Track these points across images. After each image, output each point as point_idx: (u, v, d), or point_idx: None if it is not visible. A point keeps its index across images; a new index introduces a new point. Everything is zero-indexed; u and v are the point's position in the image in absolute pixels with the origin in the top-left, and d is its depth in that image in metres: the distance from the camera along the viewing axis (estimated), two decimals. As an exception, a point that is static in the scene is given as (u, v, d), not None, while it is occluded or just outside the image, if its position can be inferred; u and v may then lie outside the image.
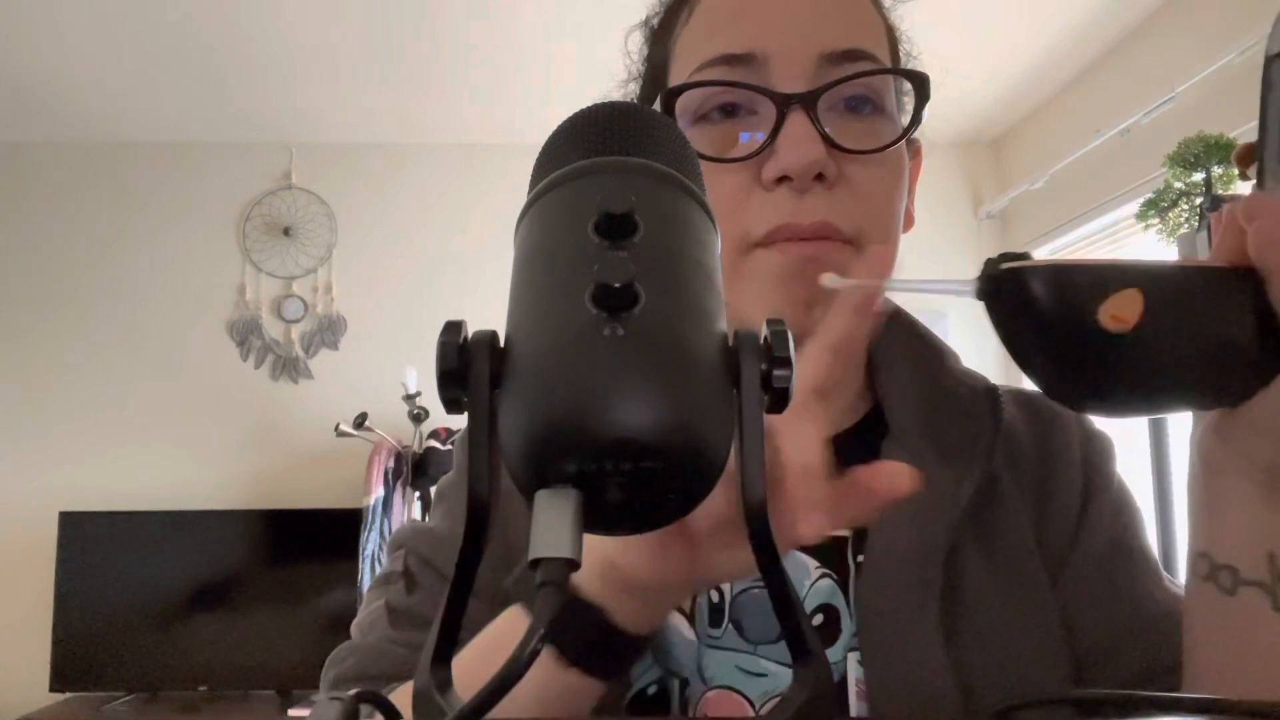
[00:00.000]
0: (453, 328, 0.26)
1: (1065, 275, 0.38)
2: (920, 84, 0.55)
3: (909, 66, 0.60)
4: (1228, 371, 0.40)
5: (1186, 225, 2.00)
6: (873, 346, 0.62)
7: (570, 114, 0.32)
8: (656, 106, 0.55)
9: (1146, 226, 2.12)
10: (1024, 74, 2.95)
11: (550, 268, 0.26)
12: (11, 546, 3.19)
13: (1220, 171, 1.97)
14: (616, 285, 0.24)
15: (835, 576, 0.54)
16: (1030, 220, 3.25)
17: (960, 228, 3.47)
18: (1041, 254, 3.21)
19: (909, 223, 0.60)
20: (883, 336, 0.62)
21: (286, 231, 3.39)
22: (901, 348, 0.62)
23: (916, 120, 0.56)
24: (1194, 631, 0.48)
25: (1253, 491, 0.43)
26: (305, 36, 2.66)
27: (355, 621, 0.60)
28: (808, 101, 0.51)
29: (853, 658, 0.52)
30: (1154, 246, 2.21)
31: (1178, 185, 2.01)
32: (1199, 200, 1.97)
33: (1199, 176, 1.99)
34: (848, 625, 0.53)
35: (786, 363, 0.26)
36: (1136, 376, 0.39)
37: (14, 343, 3.33)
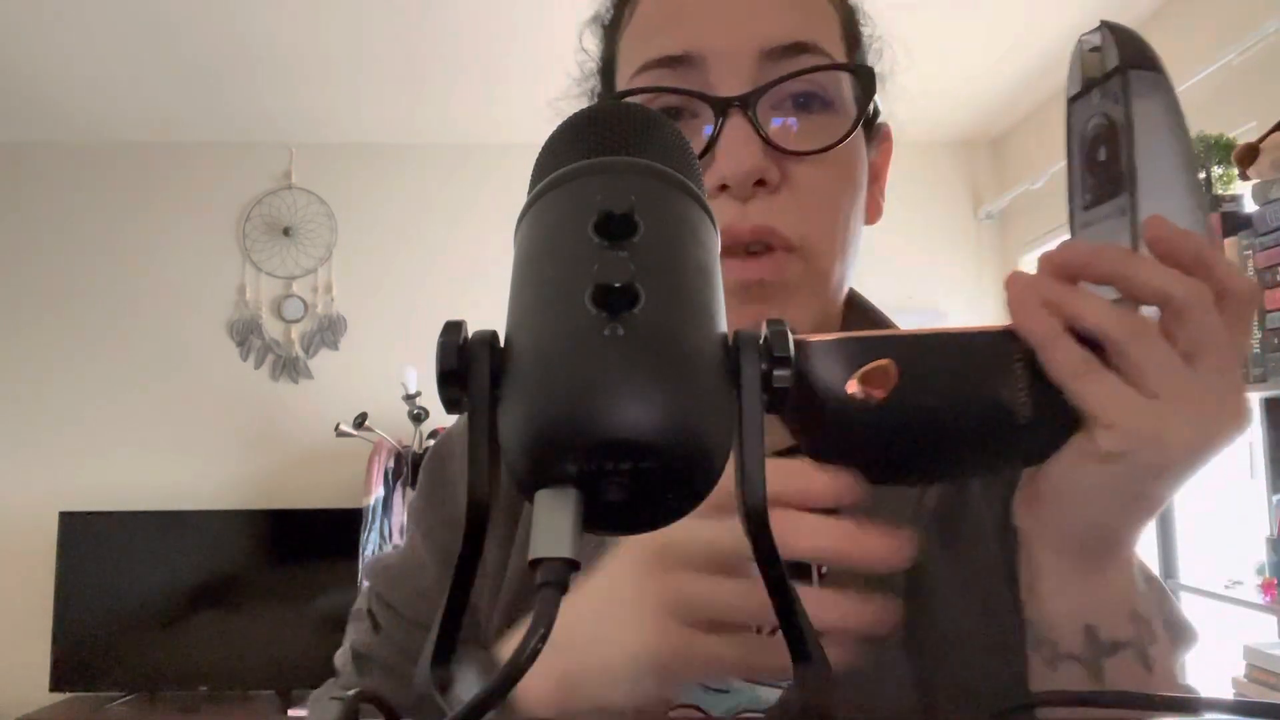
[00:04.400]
0: (452, 328, 0.26)
1: (817, 349, 0.37)
2: (865, 80, 0.53)
3: (873, 48, 0.58)
4: (1002, 436, 0.38)
5: (1186, 225, 2.00)
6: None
7: (570, 114, 0.32)
8: None
9: (1146, 226, 2.11)
10: (1024, 74, 2.95)
11: (550, 267, 0.26)
12: (11, 546, 3.19)
13: (1221, 172, 1.97)
14: (616, 285, 0.24)
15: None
16: (1030, 220, 3.25)
17: (960, 228, 3.47)
18: (1041, 254, 3.22)
19: (875, 214, 0.58)
20: (841, 326, 0.60)
21: (286, 231, 3.39)
22: None
23: (860, 117, 0.52)
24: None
25: (1062, 563, 0.41)
26: (305, 37, 2.66)
27: (340, 651, 0.60)
28: (747, 104, 0.49)
29: None
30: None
31: (1178, 185, 2.00)
32: (1199, 200, 1.97)
33: (1199, 176, 1.99)
34: None
35: (787, 362, 0.26)
36: (893, 447, 0.38)
37: (14, 343, 3.33)
